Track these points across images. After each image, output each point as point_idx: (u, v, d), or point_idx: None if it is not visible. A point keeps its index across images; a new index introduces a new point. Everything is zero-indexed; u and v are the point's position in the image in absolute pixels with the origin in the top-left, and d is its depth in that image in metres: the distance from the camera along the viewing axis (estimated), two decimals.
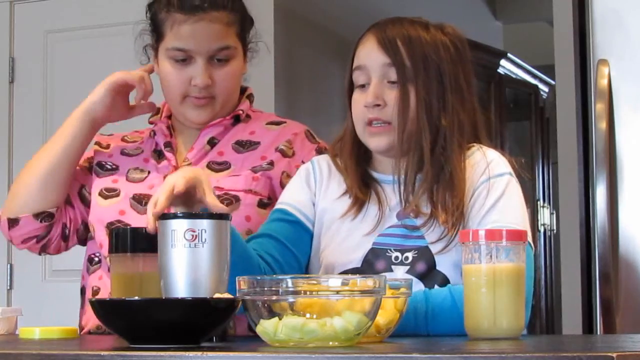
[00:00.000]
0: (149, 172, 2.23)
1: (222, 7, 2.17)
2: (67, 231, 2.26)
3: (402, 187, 1.91)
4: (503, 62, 5.73)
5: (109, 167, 2.26)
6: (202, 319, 1.43)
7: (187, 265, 1.62)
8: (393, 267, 1.87)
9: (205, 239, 1.62)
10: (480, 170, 1.90)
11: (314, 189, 2.00)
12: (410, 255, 1.87)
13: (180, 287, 1.62)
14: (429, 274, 1.85)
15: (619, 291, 2.75)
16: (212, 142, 2.23)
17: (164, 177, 2.16)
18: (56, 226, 2.24)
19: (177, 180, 1.70)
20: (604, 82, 2.79)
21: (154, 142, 2.27)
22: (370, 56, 1.91)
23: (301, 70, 4.40)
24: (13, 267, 4.29)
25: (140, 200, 2.17)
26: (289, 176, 2.15)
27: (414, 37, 1.91)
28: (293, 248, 1.94)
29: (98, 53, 4.21)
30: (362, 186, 1.94)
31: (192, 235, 1.62)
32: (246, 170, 2.16)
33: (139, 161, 2.26)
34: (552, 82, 5.29)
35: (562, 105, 3.63)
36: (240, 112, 2.25)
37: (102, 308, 1.47)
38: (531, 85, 6.17)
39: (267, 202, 2.15)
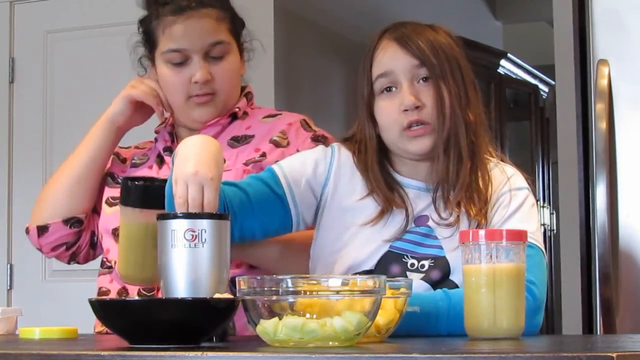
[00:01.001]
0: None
1: (209, 5, 2.19)
2: (95, 239, 2.29)
3: (439, 190, 1.89)
4: (503, 62, 5.73)
5: (119, 181, 2.26)
6: (202, 319, 1.43)
7: (187, 265, 1.62)
8: (408, 273, 1.86)
9: (205, 239, 1.62)
10: (502, 181, 1.92)
11: (324, 175, 1.95)
12: (426, 263, 1.86)
13: (180, 287, 1.62)
14: (442, 282, 1.85)
15: (619, 291, 2.75)
16: None
17: None
18: (85, 233, 2.28)
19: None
20: (604, 82, 2.79)
21: (157, 149, 2.29)
22: (396, 60, 1.89)
23: (301, 70, 4.39)
24: (13, 267, 4.29)
25: None
26: None
27: (431, 37, 1.91)
28: (260, 216, 1.89)
29: (98, 53, 4.21)
30: (389, 193, 1.91)
31: (192, 235, 1.62)
32: (239, 164, 2.16)
33: (144, 170, 2.26)
34: (552, 82, 5.29)
35: (562, 105, 3.63)
36: (237, 109, 2.25)
37: (102, 308, 1.47)
38: (531, 85, 6.18)
39: None
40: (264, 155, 2.16)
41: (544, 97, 6.30)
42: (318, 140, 2.17)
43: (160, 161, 2.26)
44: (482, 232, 1.59)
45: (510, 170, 1.96)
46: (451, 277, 1.85)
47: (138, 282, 1.96)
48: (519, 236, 1.60)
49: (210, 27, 2.18)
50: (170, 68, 2.19)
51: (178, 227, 1.63)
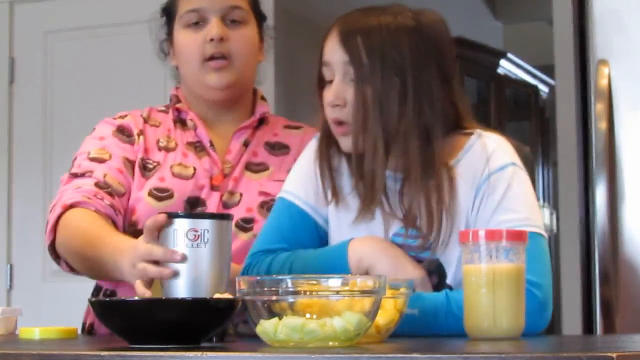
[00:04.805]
0: (194, 169, 2.18)
1: None
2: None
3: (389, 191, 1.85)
4: (503, 62, 5.73)
5: (151, 166, 2.19)
6: (202, 319, 1.43)
7: (189, 264, 1.62)
8: None
9: (208, 239, 1.62)
10: (480, 166, 1.82)
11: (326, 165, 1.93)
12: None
13: (181, 287, 1.63)
14: (437, 288, 1.82)
15: (619, 291, 2.75)
16: (245, 143, 2.23)
17: (210, 178, 2.14)
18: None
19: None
20: (604, 82, 2.80)
21: (192, 134, 2.23)
22: (333, 53, 1.86)
23: (301, 70, 4.39)
24: (13, 267, 4.29)
25: (195, 204, 2.12)
26: None
27: (375, 29, 1.83)
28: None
29: (98, 53, 4.21)
30: (369, 189, 1.84)
31: (195, 235, 1.62)
32: (285, 175, 2.15)
33: (178, 156, 2.20)
34: (552, 82, 5.29)
35: (562, 105, 3.62)
36: (267, 115, 2.29)
37: (102, 308, 1.47)
38: (531, 85, 6.17)
39: None
40: None
41: (544, 97, 6.30)
42: None
43: (197, 150, 2.20)
44: (481, 232, 1.58)
45: (492, 144, 1.85)
46: (447, 281, 1.81)
47: None
48: (519, 236, 1.60)
49: None
50: (187, 31, 2.19)
51: (180, 227, 1.63)
